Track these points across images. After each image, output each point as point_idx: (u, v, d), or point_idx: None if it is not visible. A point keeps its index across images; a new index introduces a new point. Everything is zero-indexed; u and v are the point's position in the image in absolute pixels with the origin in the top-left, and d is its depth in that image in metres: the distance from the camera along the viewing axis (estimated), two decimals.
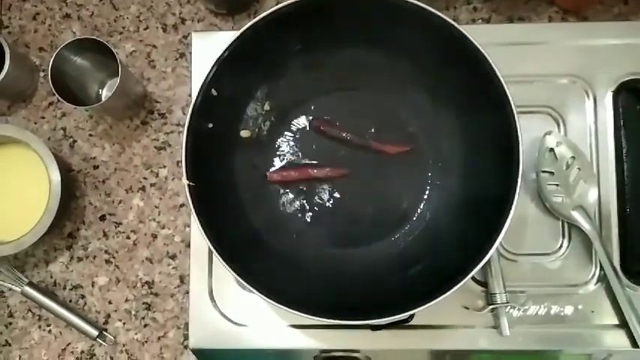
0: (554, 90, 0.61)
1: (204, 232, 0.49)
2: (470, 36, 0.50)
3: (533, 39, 0.61)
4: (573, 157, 0.58)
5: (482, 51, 0.49)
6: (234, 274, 0.49)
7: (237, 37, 0.50)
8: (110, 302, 0.66)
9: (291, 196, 0.59)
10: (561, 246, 0.59)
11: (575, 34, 0.61)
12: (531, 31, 0.62)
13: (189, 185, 0.50)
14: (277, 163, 0.60)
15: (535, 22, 0.65)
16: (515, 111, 0.49)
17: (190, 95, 0.66)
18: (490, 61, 0.50)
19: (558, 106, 0.60)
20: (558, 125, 0.60)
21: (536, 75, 0.61)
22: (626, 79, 0.60)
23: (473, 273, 0.48)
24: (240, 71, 0.53)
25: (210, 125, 0.53)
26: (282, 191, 0.59)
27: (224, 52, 0.50)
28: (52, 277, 0.66)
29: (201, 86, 0.50)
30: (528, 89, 0.60)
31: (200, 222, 0.49)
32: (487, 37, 0.54)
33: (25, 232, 0.62)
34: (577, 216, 0.57)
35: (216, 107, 0.53)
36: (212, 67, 0.50)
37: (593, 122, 0.60)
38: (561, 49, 0.61)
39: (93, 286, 0.66)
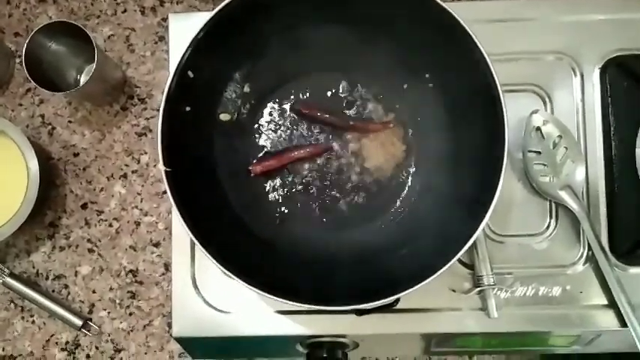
0: (540, 67, 0.59)
1: (183, 218, 0.48)
2: (453, 12, 0.48)
3: (518, 15, 0.60)
4: (560, 136, 0.57)
5: (466, 27, 0.48)
6: (215, 262, 0.48)
7: (213, 17, 0.49)
8: (94, 291, 0.65)
9: (273, 180, 0.58)
10: (549, 226, 0.58)
11: (562, 10, 0.60)
12: (517, 8, 0.60)
13: (166, 171, 0.49)
14: (258, 147, 0.58)
15: None
16: (500, 89, 0.48)
17: None
18: (474, 37, 0.48)
19: (545, 84, 0.59)
20: (545, 103, 0.59)
21: (522, 52, 0.59)
22: (614, 55, 0.59)
23: (459, 255, 0.48)
24: (217, 52, 0.51)
25: (188, 109, 0.52)
26: (263, 175, 0.58)
27: (199, 32, 0.49)
28: (34, 267, 0.66)
29: (177, 68, 0.49)
30: (514, 67, 0.59)
31: (179, 208, 0.48)
32: (472, 14, 0.53)
33: (4, 222, 0.61)
34: (564, 196, 0.57)
35: (193, 90, 0.51)
36: (187, 49, 0.49)
37: (580, 100, 0.59)
38: (547, 25, 0.60)
39: (76, 275, 0.65)
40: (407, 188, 0.58)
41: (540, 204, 0.58)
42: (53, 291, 0.65)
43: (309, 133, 0.59)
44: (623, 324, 0.55)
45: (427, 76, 0.56)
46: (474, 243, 0.54)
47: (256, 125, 0.58)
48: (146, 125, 0.66)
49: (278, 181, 0.58)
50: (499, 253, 0.57)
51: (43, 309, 0.64)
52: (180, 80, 0.50)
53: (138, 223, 0.65)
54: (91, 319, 0.65)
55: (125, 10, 0.67)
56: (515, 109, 0.56)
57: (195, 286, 0.58)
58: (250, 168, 0.57)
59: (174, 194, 0.49)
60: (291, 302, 0.48)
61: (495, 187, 0.48)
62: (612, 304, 0.56)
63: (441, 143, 0.55)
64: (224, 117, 0.57)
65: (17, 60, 0.67)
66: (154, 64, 0.67)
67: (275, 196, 0.58)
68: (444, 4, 0.49)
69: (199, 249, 0.48)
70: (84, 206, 0.66)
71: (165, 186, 0.49)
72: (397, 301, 0.54)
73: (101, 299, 0.65)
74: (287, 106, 0.59)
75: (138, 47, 0.67)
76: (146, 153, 0.66)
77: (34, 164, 0.61)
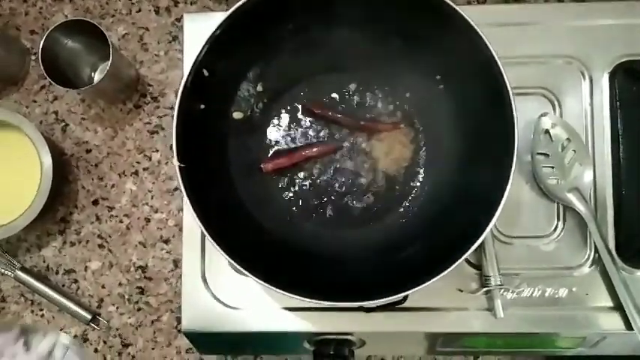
0: (549, 71, 0.60)
1: (196, 213, 0.48)
2: (465, 14, 0.49)
3: (529, 19, 0.61)
4: (569, 139, 0.58)
5: (478, 29, 0.49)
6: (226, 257, 0.49)
7: (229, 16, 0.49)
8: (103, 286, 0.66)
9: (284, 177, 0.59)
10: (556, 228, 0.58)
11: (572, 15, 0.60)
12: (527, 12, 0.61)
13: (180, 167, 0.49)
14: (270, 145, 0.59)
15: (531, 2, 0.64)
16: (510, 91, 0.49)
17: None
18: (486, 40, 0.49)
19: (554, 88, 0.60)
20: (554, 107, 0.60)
21: (532, 56, 0.60)
22: (623, 60, 0.59)
23: (467, 255, 0.48)
24: (231, 51, 0.52)
25: (202, 106, 0.53)
26: (275, 173, 0.59)
27: (215, 30, 0.49)
28: (44, 261, 0.66)
29: (192, 66, 0.50)
30: (524, 70, 0.59)
31: (191, 203, 0.49)
32: (482, 18, 0.53)
33: (16, 216, 0.62)
34: (572, 198, 0.57)
35: (207, 88, 0.52)
36: (203, 47, 0.50)
37: (589, 104, 0.59)
38: (557, 29, 0.60)
39: (86, 270, 0.66)
40: (416, 188, 0.58)
41: (548, 206, 0.59)
42: (63, 285, 0.66)
43: (320, 132, 0.59)
44: (629, 327, 0.55)
45: (438, 77, 0.56)
46: (482, 243, 0.55)
47: (268, 124, 0.59)
48: (158, 123, 0.67)
49: (289, 179, 0.59)
50: (506, 254, 0.58)
51: (52, 303, 0.64)
52: (195, 78, 0.50)
53: (148, 220, 0.66)
54: (99, 314, 0.65)
55: (140, 10, 0.68)
56: (524, 112, 0.57)
57: (205, 282, 0.59)
58: (262, 165, 0.58)
59: (188, 190, 0.49)
60: (299, 297, 0.48)
61: (504, 188, 0.48)
62: (618, 307, 0.56)
63: (451, 144, 0.56)
64: (237, 115, 0.58)
65: (32, 57, 0.68)
66: (167, 63, 0.68)
67: (286, 194, 0.59)
68: (456, 7, 0.49)
69: (210, 243, 0.49)
70: (95, 202, 0.67)
71: (179, 181, 0.49)
72: (405, 299, 0.54)
73: (110, 294, 0.66)
74: (299, 105, 0.59)
75: (152, 46, 0.68)
76: (157, 151, 0.67)
77: (47, 160, 0.61)
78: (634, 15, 0.60)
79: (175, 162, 0.49)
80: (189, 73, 0.50)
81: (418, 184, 0.58)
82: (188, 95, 0.50)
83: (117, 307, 0.65)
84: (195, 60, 0.50)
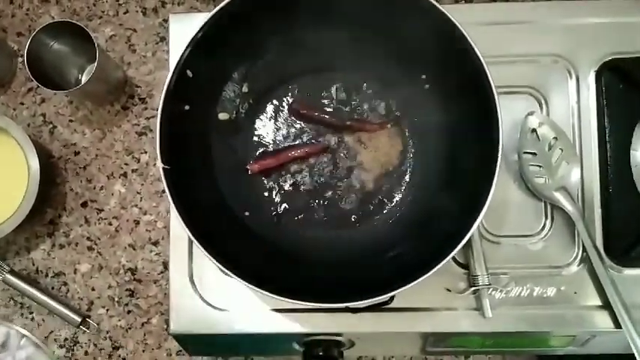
0: (536, 70, 0.60)
1: (181, 215, 0.48)
2: (449, 14, 0.49)
3: (515, 18, 0.60)
4: (556, 138, 0.58)
5: (462, 29, 0.49)
6: (212, 259, 0.48)
7: (213, 16, 0.49)
8: (93, 289, 0.66)
9: (270, 179, 0.59)
10: (544, 227, 0.58)
11: (558, 13, 0.60)
12: (514, 11, 0.61)
13: (164, 169, 0.49)
14: (256, 146, 0.59)
15: (518, 1, 0.64)
16: (495, 91, 0.49)
17: None
18: (470, 39, 0.49)
19: (541, 87, 0.59)
20: (541, 106, 0.59)
21: (519, 55, 0.60)
22: (609, 58, 0.59)
23: (453, 254, 0.48)
24: (216, 52, 0.52)
25: (187, 107, 0.53)
26: (261, 174, 0.59)
27: (199, 31, 0.50)
28: (33, 264, 0.66)
29: (176, 67, 0.50)
30: (510, 69, 0.59)
31: (176, 206, 0.49)
32: (469, 17, 0.54)
33: (4, 219, 0.61)
34: (559, 197, 0.57)
35: (192, 89, 0.52)
36: (186, 48, 0.50)
37: (575, 102, 0.59)
38: (544, 28, 0.60)
39: (75, 273, 0.66)
40: (403, 187, 0.58)
41: (535, 205, 0.59)
42: (52, 288, 0.66)
43: (307, 133, 0.59)
44: (618, 325, 0.55)
45: (423, 77, 0.56)
46: (470, 243, 0.55)
47: (254, 124, 0.59)
48: (146, 125, 0.67)
49: (275, 180, 0.59)
50: (494, 254, 0.57)
51: (42, 306, 0.64)
52: (180, 79, 0.50)
53: (137, 222, 0.66)
54: (89, 317, 0.65)
55: (127, 11, 0.68)
56: (511, 111, 0.57)
57: (193, 284, 0.58)
58: (248, 167, 0.58)
59: (172, 192, 0.49)
60: (287, 299, 0.48)
61: (489, 187, 0.48)
62: (607, 305, 0.56)
63: (437, 143, 0.56)
64: (223, 116, 0.57)
65: (19, 59, 0.68)
66: (155, 64, 0.67)
67: (272, 195, 0.58)
68: (440, 7, 0.49)
69: (197, 246, 0.49)
70: (84, 204, 0.66)
71: (163, 183, 0.49)
72: (392, 299, 0.54)
73: (100, 297, 0.65)
74: (285, 106, 0.59)
75: (139, 47, 0.68)
76: (146, 152, 0.67)
77: (34, 162, 0.61)
78: (620, 13, 0.60)
79: (159, 164, 0.49)
80: (173, 74, 0.50)
81: (405, 183, 0.58)
82: (172, 96, 0.50)
83: (107, 310, 0.65)
84: (179, 61, 0.50)
